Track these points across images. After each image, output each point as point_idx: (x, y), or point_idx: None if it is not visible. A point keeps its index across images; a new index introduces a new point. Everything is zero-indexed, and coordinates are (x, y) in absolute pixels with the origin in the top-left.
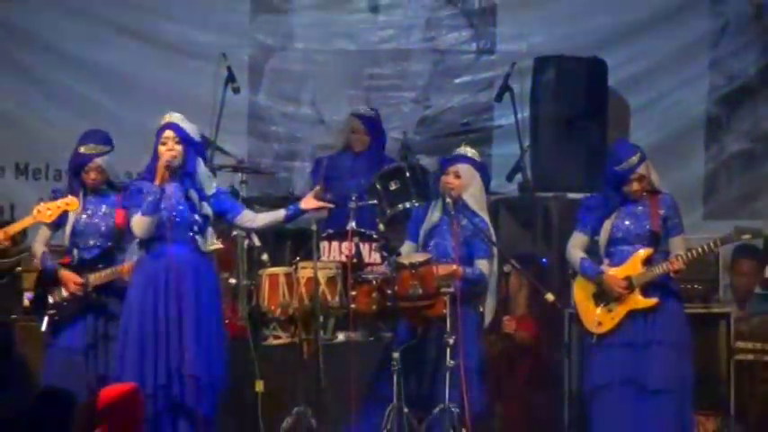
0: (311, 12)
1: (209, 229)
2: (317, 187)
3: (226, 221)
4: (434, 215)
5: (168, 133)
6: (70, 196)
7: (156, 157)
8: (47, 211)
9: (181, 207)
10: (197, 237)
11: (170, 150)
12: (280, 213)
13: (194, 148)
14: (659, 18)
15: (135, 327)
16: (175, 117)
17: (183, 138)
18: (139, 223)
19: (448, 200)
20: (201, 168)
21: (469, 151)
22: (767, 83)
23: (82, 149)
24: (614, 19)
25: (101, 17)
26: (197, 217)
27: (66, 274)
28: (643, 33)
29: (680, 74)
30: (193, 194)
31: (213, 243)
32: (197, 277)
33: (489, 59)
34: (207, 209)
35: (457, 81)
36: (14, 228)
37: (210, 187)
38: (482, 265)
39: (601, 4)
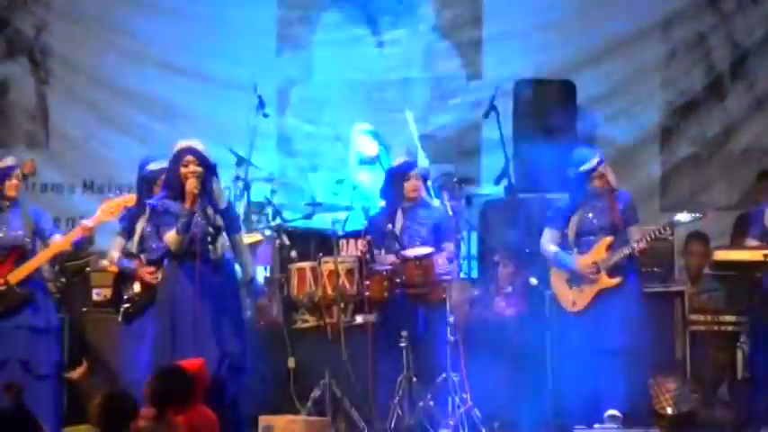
0: (328, 48)
1: (220, 238)
2: None
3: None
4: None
5: (189, 157)
6: (128, 194)
7: (173, 176)
8: (109, 209)
9: (202, 222)
10: (209, 246)
11: (194, 173)
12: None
13: (210, 168)
14: (619, 45)
15: (172, 323)
16: (193, 142)
17: (202, 160)
18: (174, 241)
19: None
20: (216, 185)
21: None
22: (710, 97)
23: (152, 167)
24: (581, 47)
25: (153, 57)
26: (211, 229)
27: (141, 270)
28: (606, 58)
29: (637, 92)
30: (209, 209)
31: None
32: (217, 281)
33: (477, 83)
34: (219, 221)
35: (450, 102)
36: (68, 238)
37: (223, 201)
38: (450, 246)
39: (570, 35)
